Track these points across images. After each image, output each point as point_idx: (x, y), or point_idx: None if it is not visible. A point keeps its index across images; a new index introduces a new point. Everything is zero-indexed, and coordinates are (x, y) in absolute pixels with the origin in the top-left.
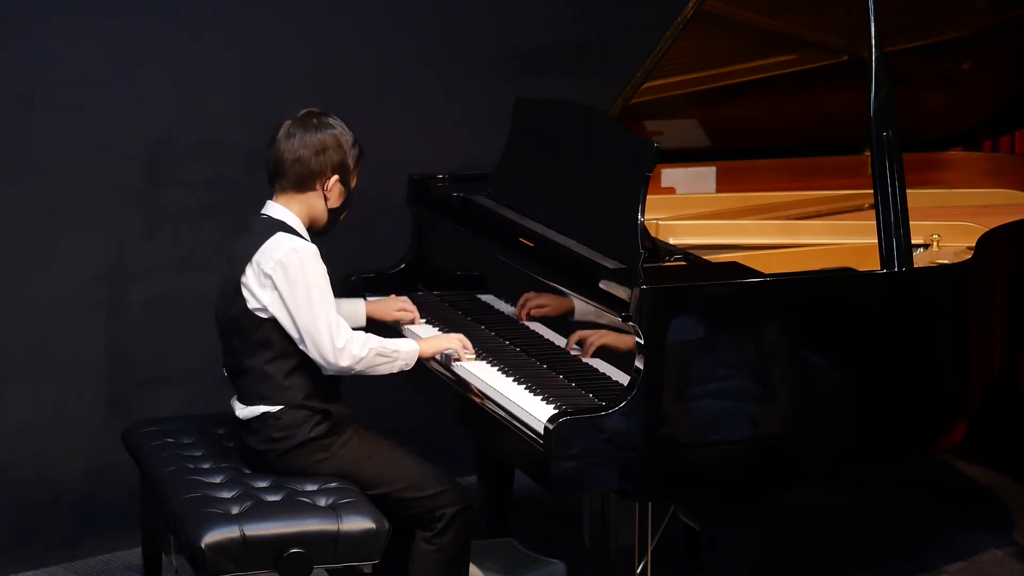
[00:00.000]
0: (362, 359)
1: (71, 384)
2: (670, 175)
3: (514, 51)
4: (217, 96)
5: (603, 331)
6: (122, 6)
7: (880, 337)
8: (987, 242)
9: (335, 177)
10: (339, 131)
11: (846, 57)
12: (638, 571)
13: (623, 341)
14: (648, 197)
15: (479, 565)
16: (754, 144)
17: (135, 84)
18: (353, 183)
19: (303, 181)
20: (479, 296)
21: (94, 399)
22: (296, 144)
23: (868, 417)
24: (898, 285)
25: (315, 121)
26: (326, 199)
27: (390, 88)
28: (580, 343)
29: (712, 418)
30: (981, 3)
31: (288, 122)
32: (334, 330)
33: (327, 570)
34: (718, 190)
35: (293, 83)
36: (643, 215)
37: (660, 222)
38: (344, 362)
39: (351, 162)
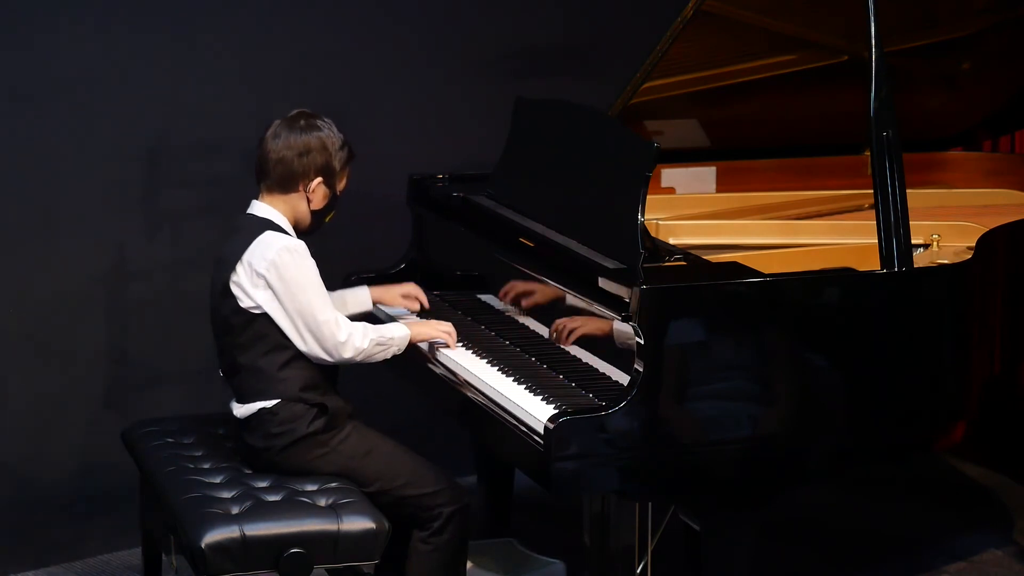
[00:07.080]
0: (363, 350)
1: (71, 384)
2: (670, 175)
3: (514, 51)
4: (217, 96)
5: (585, 319)
6: (122, 6)
7: (880, 337)
8: (987, 242)
9: (318, 179)
10: (326, 133)
11: (846, 57)
12: (638, 571)
13: (606, 329)
14: (648, 197)
15: (479, 565)
16: (754, 144)
17: (135, 84)
18: (341, 186)
19: (286, 182)
20: (479, 296)
21: (94, 399)
22: (280, 145)
23: (868, 417)
24: (898, 285)
25: (302, 123)
26: (309, 201)
27: (390, 88)
28: (561, 331)
29: (712, 418)
30: (981, 3)
31: (277, 122)
32: (334, 325)
33: (327, 570)
34: (718, 190)
35: (293, 83)
36: (643, 215)
37: (660, 222)
38: (347, 354)
39: (337, 165)
